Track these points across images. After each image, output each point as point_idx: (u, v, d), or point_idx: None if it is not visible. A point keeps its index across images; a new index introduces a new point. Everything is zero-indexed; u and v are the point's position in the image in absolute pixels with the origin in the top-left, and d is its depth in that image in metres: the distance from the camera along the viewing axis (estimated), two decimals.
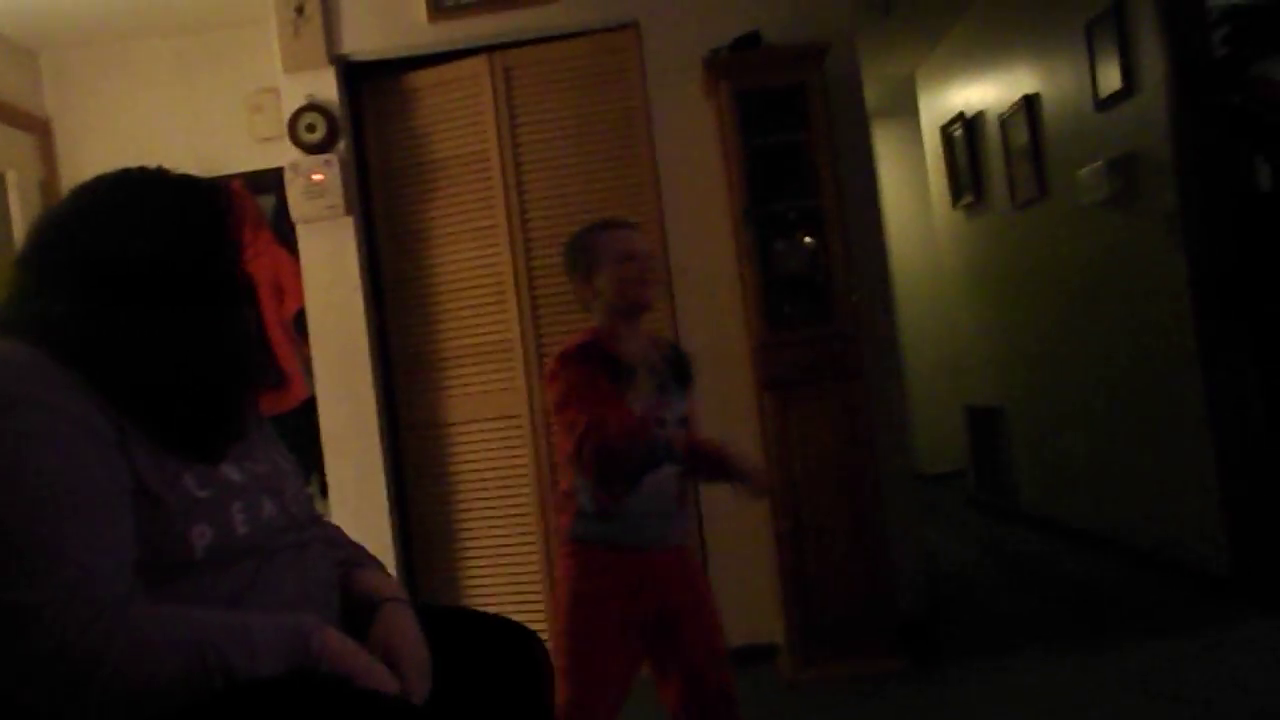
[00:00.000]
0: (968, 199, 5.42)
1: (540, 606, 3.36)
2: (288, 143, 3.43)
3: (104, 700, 0.99)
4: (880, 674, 3.00)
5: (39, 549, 1.00)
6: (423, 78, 3.54)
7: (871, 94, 3.57)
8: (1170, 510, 3.69)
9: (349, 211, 3.43)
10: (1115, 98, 3.66)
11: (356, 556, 1.41)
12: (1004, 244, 5.05)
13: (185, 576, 1.13)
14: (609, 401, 1.90)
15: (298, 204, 3.39)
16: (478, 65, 3.48)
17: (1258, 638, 2.91)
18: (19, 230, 3.38)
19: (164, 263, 1.21)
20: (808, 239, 3.27)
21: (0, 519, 1.01)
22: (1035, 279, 4.69)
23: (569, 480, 2.01)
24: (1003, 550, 4.70)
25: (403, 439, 3.56)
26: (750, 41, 3.27)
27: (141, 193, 1.25)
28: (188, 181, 1.29)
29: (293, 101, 3.44)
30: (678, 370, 2.12)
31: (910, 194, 6.72)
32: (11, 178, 3.38)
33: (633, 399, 1.96)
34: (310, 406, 3.51)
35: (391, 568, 3.38)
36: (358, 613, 1.31)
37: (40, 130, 3.53)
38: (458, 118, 3.51)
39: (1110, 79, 3.67)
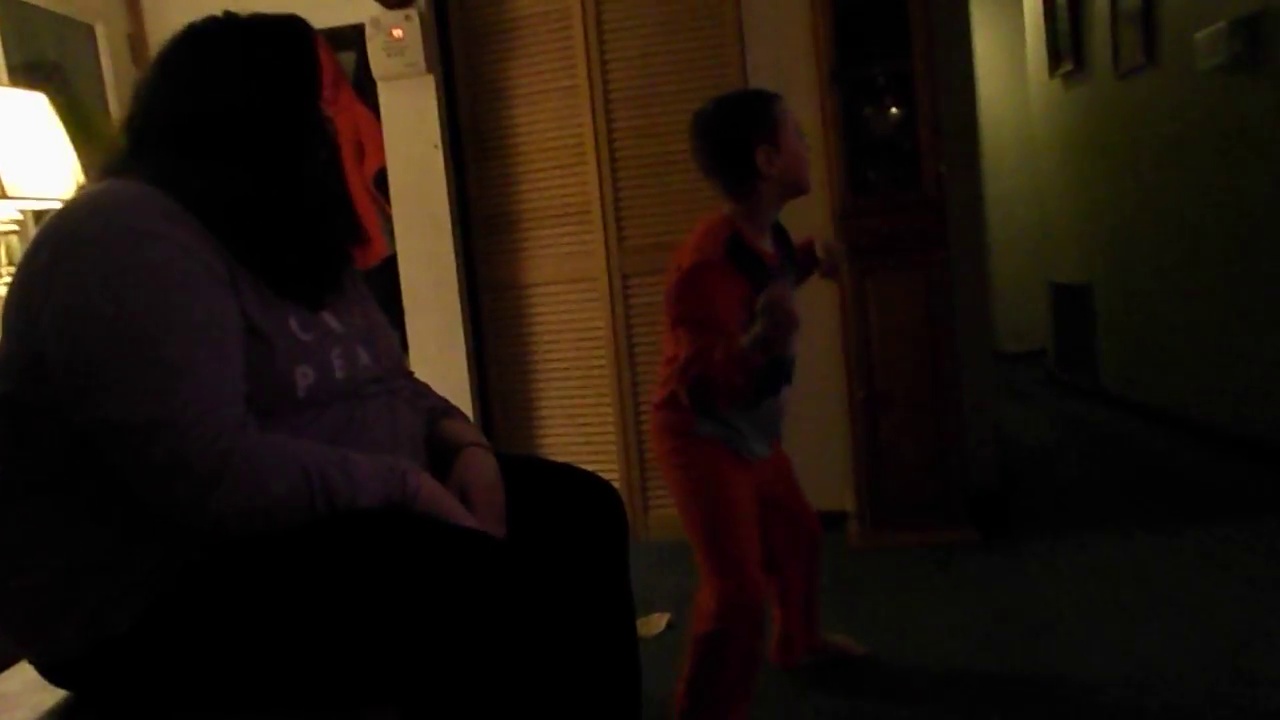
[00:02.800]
0: (1067, 66, 5.16)
1: (615, 466, 3.44)
2: None
3: (220, 513, 1.07)
4: (949, 544, 3.02)
5: (173, 368, 1.07)
6: None
7: None
8: (1256, 393, 3.59)
9: (429, 69, 3.39)
10: None
11: (443, 406, 1.46)
12: (1104, 115, 4.82)
13: (288, 413, 1.18)
14: (730, 326, 1.76)
15: (378, 61, 3.37)
16: None
17: None
18: (111, 82, 3.42)
19: (248, 115, 1.24)
20: (894, 109, 3.16)
21: (140, 338, 1.07)
22: (1136, 152, 4.49)
23: (679, 384, 1.84)
24: (1081, 428, 4.64)
25: (481, 299, 3.61)
26: None
27: (221, 45, 1.27)
28: (266, 26, 1.30)
29: None
30: (792, 261, 2.09)
31: (1006, 60, 6.41)
32: (100, 30, 3.40)
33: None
34: (391, 265, 3.56)
35: (470, 419, 3.48)
36: (442, 457, 1.36)
37: None
38: None
39: None
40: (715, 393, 1.77)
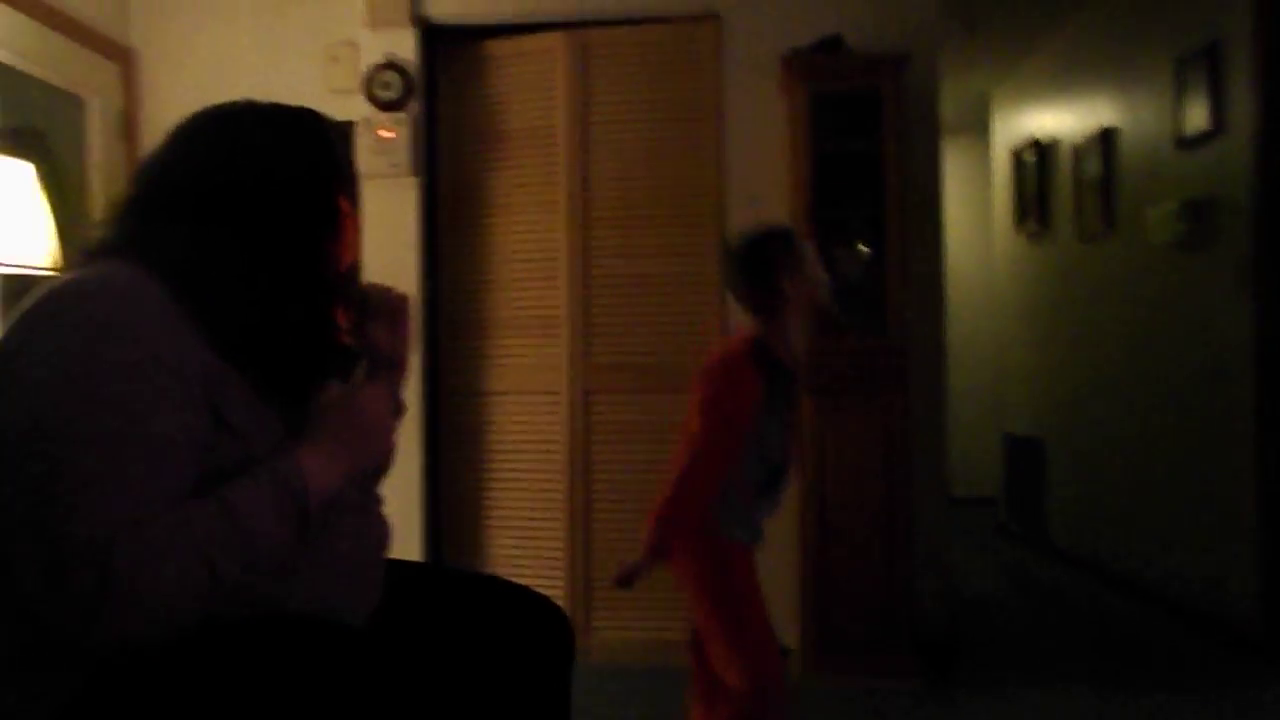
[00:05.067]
0: (1032, 226, 5.35)
1: (560, 582, 3.38)
2: (360, 97, 3.45)
3: (119, 620, 0.99)
4: (892, 690, 2.98)
5: (78, 481, 1.00)
6: (501, 47, 3.56)
7: (946, 108, 3.54)
8: (1204, 562, 3.63)
9: (415, 172, 3.45)
10: (1200, 138, 3.59)
11: None
12: (1064, 275, 4.98)
13: None
14: (743, 430, 2.08)
15: (365, 159, 3.42)
16: (556, 40, 3.48)
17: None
18: (97, 158, 3.44)
19: (273, 190, 1.21)
20: (865, 248, 3.25)
21: (70, 445, 1.01)
22: (1092, 314, 4.62)
23: (712, 482, 2.13)
24: (1029, 582, 4.65)
25: (442, 403, 3.59)
26: (832, 44, 3.24)
27: (251, 122, 1.25)
28: (299, 112, 1.29)
29: (371, 57, 3.46)
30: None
31: (973, 214, 6.64)
32: (93, 105, 3.43)
33: (784, 406, 2.16)
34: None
35: (418, 531, 3.43)
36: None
37: (123, 59, 3.58)
38: (531, 90, 3.52)
39: (1196, 118, 3.60)
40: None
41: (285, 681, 1.04)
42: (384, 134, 3.41)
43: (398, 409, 1.46)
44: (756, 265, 2.17)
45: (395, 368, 1.45)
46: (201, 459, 1.09)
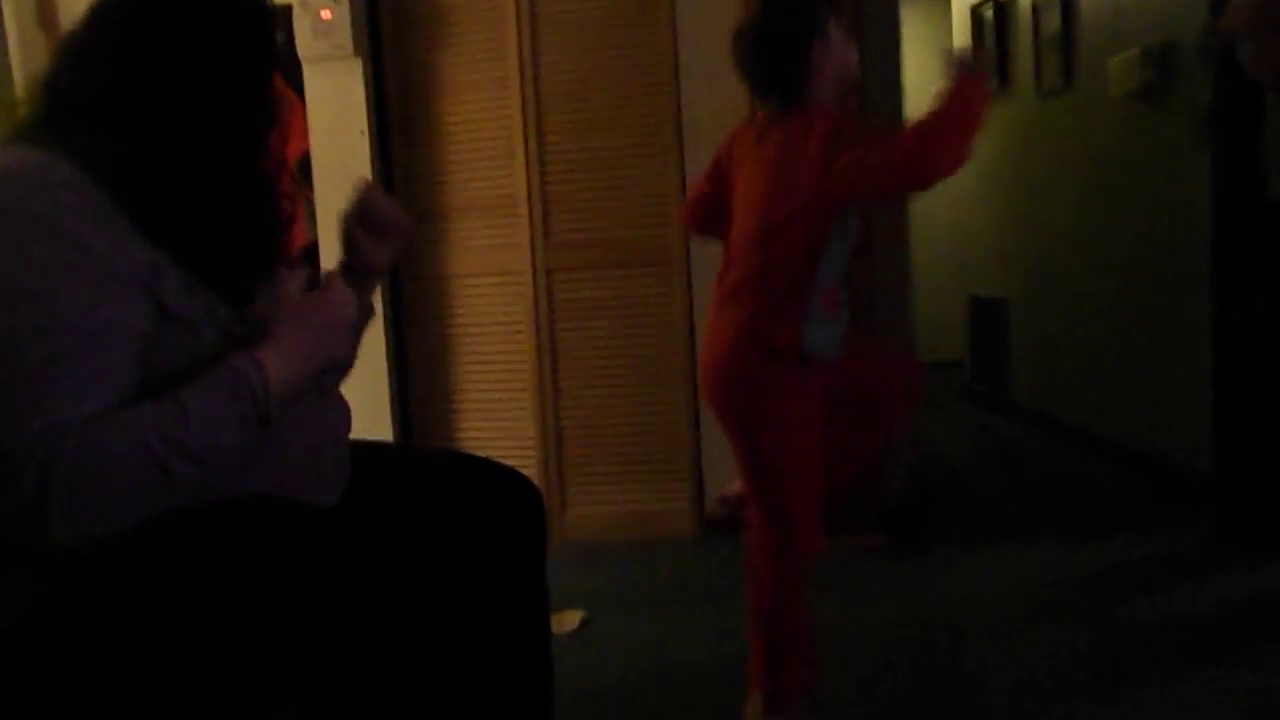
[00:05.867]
0: (991, 85, 5.27)
1: (532, 461, 3.41)
2: None
3: (68, 524, 0.98)
4: (860, 549, 3.06)
5: (24, 389, 0.98)
6: None
7: None
8: (1160, 414, 3.72)
9: (358, 52, 3.32)
10: None
11: None
12: (1024, 134, 4.94)
13: None
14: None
15: (305, 42, 3.29)
16: None
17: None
18: (15, 46, 3.28)
19: (197, 84, 1.14)
20: None
21: (3, 343, 0.98)
22: (1053, 170, 4.61)
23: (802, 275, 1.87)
24: (993, 441, 4.75)
25: (403, 288, 3.55)
26: None
27: (170, 9, 1.16)
28: None
29: None
30: None
31: (933, 77, 6.52)
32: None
33: None
34: (311, 252, 3.48)
35: (387, 414, 3.43)
36: None
37: None
38: None
39: None
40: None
41: (251, 566, 1.03)
42: (324, 14, 3.27)
43: (367, 312, 1.43)
44: (783, 35, 1.92)
45: (369, 280, 1.42)
46: (146, 351, 1.06)
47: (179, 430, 1.03)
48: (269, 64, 1.23)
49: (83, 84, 1.14)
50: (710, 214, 2.12)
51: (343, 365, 1.26)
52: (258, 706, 1.06)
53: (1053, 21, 4.43)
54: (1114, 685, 2.12)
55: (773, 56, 1.93)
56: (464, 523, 1.26)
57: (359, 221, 1.39)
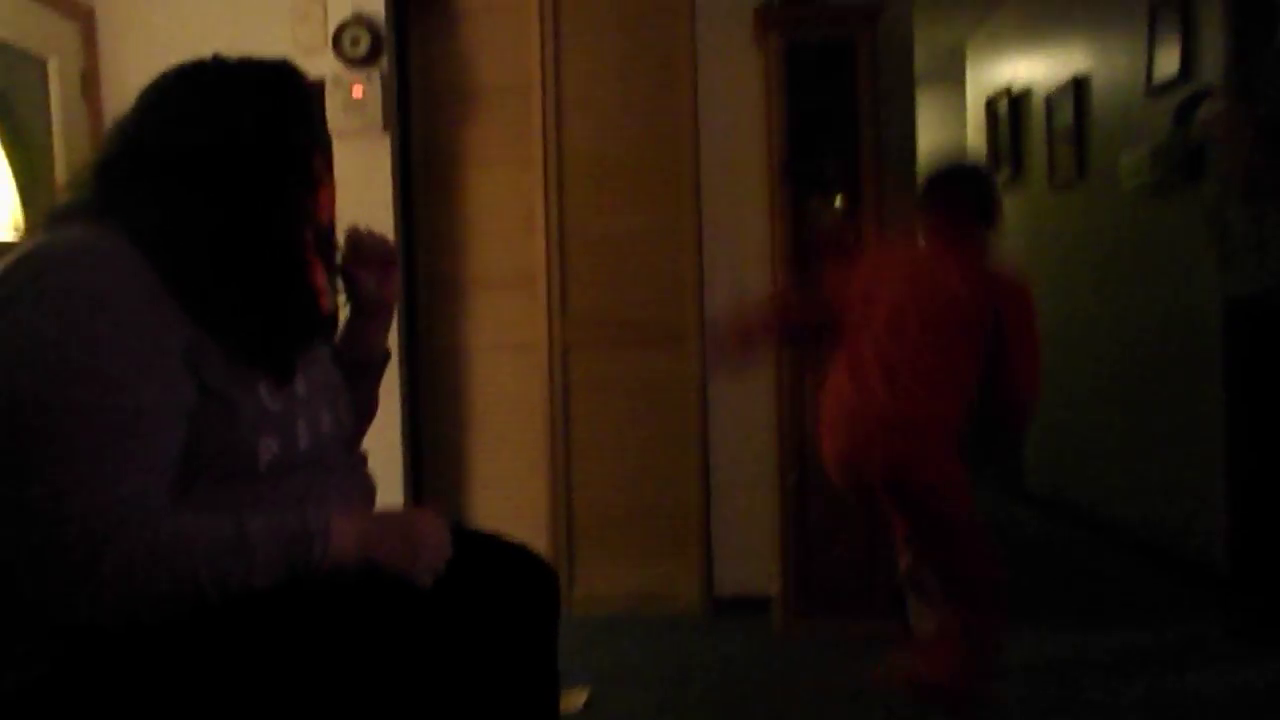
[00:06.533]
0: (1005, 173, 5.36)
1: (543, 537, 3.41)
2: (330, 55, 3.40)
3: (92, 608, 1.00)
4: (871, 635, 3.03)
5: (72, 453, 1.00)
6: (471, 1, 3.51)
7: (920, 59, 3.53)
8: (1175, 505, 3.70)
9: (386, 128, 3.41)
10: (1170, 84, 3.60)
11: None
12: (1037, 223, 5.01)
13: (246, 482, 1.14)
14: None
15: (335, 117, 3.37)
16: None
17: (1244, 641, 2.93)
18: (59, 119, 3.38)
19: (243, 161, 1.19)
20: (839, 200, 3.25)
21: (46, 417, 1.01)
22: (1065, 259, 4.66)
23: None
24: (1005, 525, 4.72)
25: (421, 360, 3.59)
26: None
27: (220, 79, 1.22)
28: (271, 65, 1.26)
29: (338, 13, 3.41)
30: None
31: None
32: (53, 65, 3.37)
33: None
34: (334, 322, 3.53)
35: (399, 485, 3.44)
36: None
37: (83, 18, 3.51)
38: (503, 44, 3.48)
39: (1167, 64, 3.61)
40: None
41: (270, 644, 1.05)
42: (355, 91, 3.36)
43: (384, 356, 1.47)
44: (992, 197, 2.65)
45: (381, 314, 1.46)
46: (187, 426, 1.09)
47: (229, 564, 1.05)
48: (312, 142, 1.28)
49: (132, 158, 1.18)
50: None
51: (396, 576, 1.20)
52: None
53: (1065, 116, 4.52)
54: None
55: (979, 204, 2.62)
56: (479, 602, 1.27)
57: (355, 262, 1.43)
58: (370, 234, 1.46)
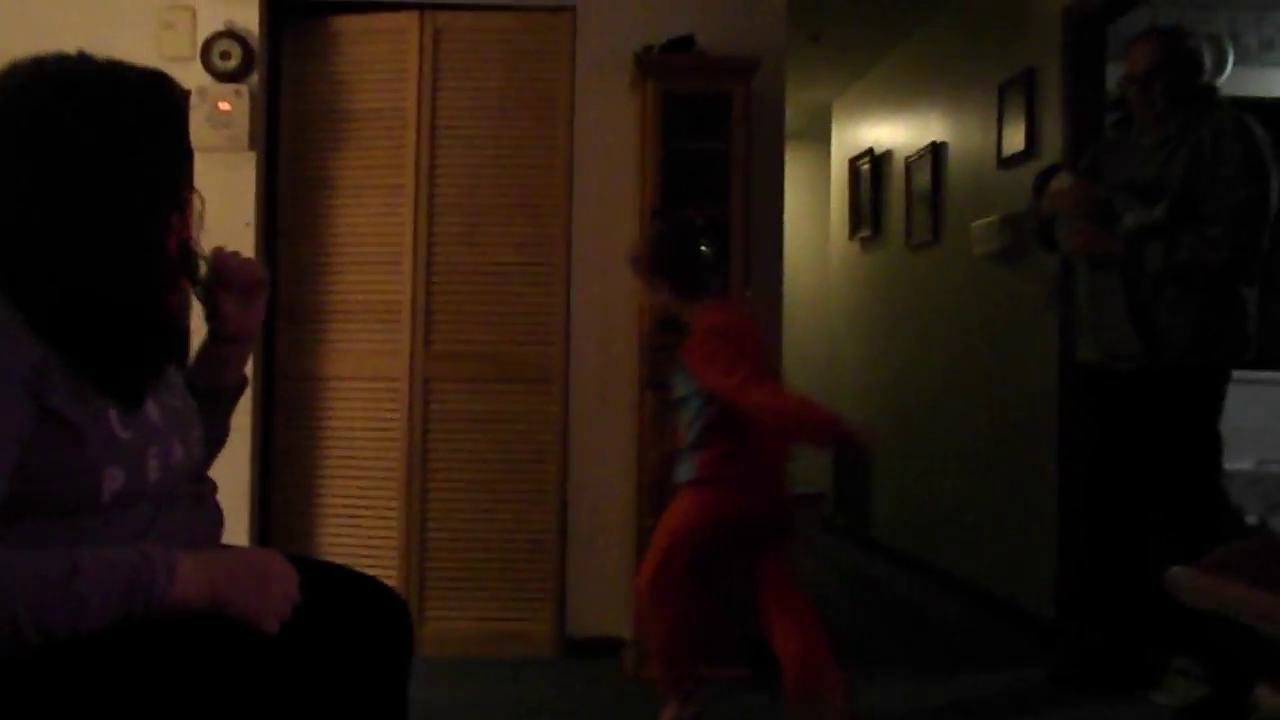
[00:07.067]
0: (865, 232, 5.58)
1: (394, 572, 3.32)
2: (197, 65, 3.30)
3: None
4: (723, 680, 3.06)
5: None
6: (350, 23, 3.46)
7: (790, 117, 3.65)
8: (1010, 558, 3.88)
9: (253, 146, 3.32)
10: (1016, 157, 3.83)
11: None
12: (894, 281, 5.22)
13: (87, 514, 1.07)
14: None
15: (200, 131, 3.26)
16: (408, 20, 3.41)
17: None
18: None
19: (107, 157, 1.10)
20: (706, 247, 3.31)
21: None
22: (918, 319, 4.86)
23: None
24: (852, 575, 4.86)
25: (275, 387, 3.48)
26: (684, 44, 3.30)
27: (98, 79, 1.13)
28: (148, 73, 1.17)
29: (209, 24, 3.31)
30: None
31: (811, 219, 6.86)
32: None
33: None
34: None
35: (246, 513, 3.31)
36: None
37: None
38: (379, 70, 3.44)
39: (1015, 139, 3.84)
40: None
41: (118, 680, 1.00)
42: (222, 106, 3.27)
43: (240, 384, 1.41)
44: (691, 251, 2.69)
45: (242, 341, 1.40)
46: (20, 453, 1.02)
47: (54, 604, 0.97)
48: (182, 154, 1.22)
49: None
50: None
51: (239, 617, 1.13)
52: None
53: (924, 179, 4.74)
54: None
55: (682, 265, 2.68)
56: (330, 637, 1.23)
57: (220, 286, 1.35)
58: (239, 258, 1.37)
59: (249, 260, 1.39)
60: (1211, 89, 2.88)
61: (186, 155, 1.24)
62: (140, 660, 1.02)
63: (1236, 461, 2.76)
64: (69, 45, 1.23)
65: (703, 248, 3.29)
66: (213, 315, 1.36)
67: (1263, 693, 2.03)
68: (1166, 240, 2.66)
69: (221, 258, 1.36)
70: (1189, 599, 1.74)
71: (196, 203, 1.26)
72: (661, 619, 2.60)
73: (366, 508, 3.42)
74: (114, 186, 1.12)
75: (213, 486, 1.33)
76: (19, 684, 0.98)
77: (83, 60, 1.16)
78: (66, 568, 1.00)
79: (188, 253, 1.26)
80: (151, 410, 1.16)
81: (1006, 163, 3.93)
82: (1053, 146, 3.58)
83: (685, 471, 2.58)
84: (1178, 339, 2.67)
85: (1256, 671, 2.58)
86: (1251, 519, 3.27)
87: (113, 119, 1.12)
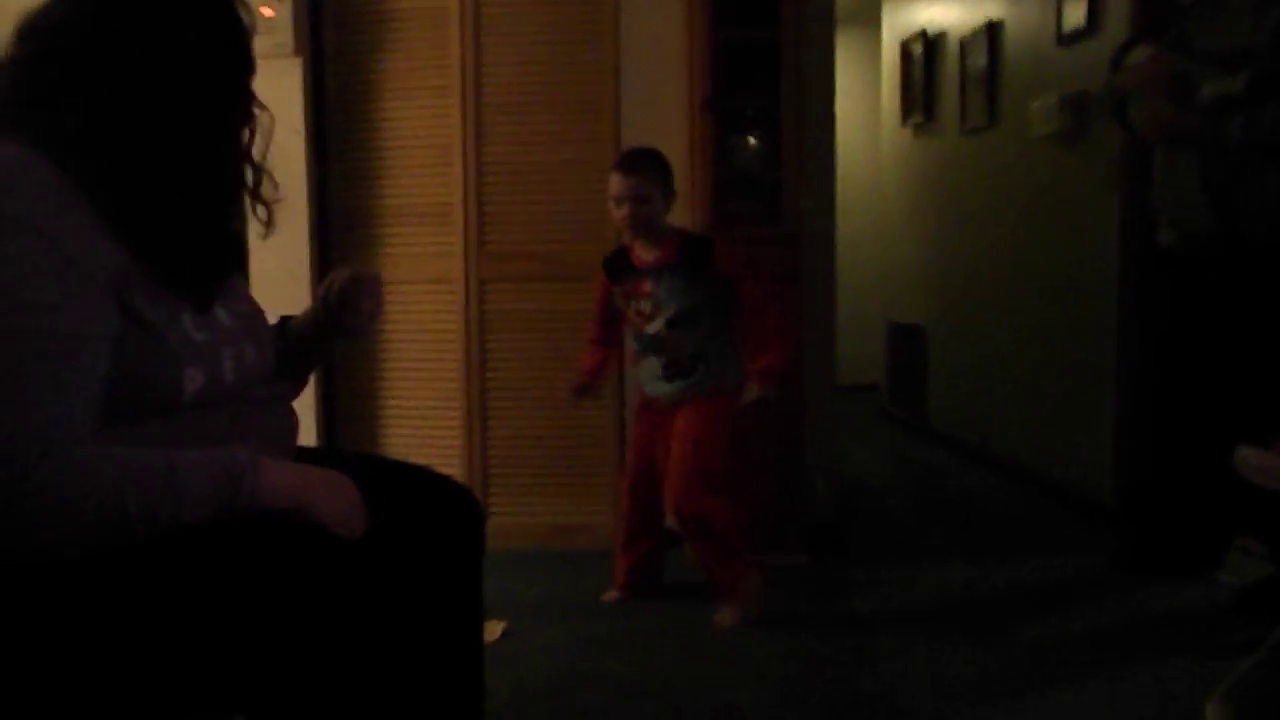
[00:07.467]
0: (917, 118, 5.44)
1: (458, 471, 3.40)
2: None
3: (16, 537, 0.98)
4: (785, 567, 3.12)
5: (3, 383, 0.97)
6: None
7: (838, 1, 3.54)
8: (1066, 443, 3.87)
9: (298, 52, 3.31)
10: (1077, 34, 3.69)
11: None
12: (947, 167, 5.11)
13: (168, 416, 1.11)
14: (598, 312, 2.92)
15: None
16: None
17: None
18: None
19: (171, 82, 1.13)
20: (755, 138, 3.27)
21: None
22: (973, 205, 4.77)
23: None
24: (909, 463, 4.89)
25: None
26: None
27: (142, 6, 1.14)
28: None
29: None
30: (693, 263, 2.73)
31: (862, 106, 6.69)
32: None
33: (629, 303, 2.80)
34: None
35: (312, 419, 3.39)
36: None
37: None
38: None
39: (1075, 15, 3.69)
40: None
41: (202, 577, 1.05)
42: (265, 11, 3.24)
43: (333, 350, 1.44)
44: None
45: (357, 337, 1.48)
46: (114, 355, 1.06)
47: (158, 495, 1.03)
48: (243, 66, 1.23)
49: (57, 61, 1.11)
50: None
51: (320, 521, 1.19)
52: (210, 711, 1.07)
53: (979, 61, 4.60)
54: (1017, 699, 2.22)
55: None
56: (406, 534, 1.28)
57: (345, 308, 1.41)
58: (365, 280, 1.42)
59: (372, 278, 1.42)
60: None
61: (252, 70, 1.25)
62: (225, 554, 1.07)
63: None
64: None
65: (754, 139, 3.27)
66: (335, 332, 1.44)
67: None
68: (1247, 112, 2.52)
69: (349, 283, 1.40)
70: (1257, 478, 1.73)
71: (265, 119, 1.27)
72: (720, 525, 2.71)
73: (427, 408, 3.49)
74: (188, 95, 1.15)
75: (284, 394, 1.37)
76: (123, 573, 1.03)
77: None
78: (166, 462, 1.06)
79: (255, 167, 1.29)
80: (221, 314, 1.20)
81: (1066, 40, 3.78)
82: (1118, 22, 3.44)
83: (699, 381, 2.77)
84: (1259, 221, 2.52)
85: None
86: None
87: (190, 25, 1.15)
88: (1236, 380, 2.63)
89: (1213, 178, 2.55)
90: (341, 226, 3.50)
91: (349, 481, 1.22)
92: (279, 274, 3.38)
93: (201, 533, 1.06)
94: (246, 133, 1.25)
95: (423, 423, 3.51)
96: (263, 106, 1.27)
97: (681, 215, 3.24)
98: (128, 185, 1.09)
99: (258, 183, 1.30)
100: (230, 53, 1.20)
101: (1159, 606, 2.77)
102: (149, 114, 1.12)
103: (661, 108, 3.34)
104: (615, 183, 2.73)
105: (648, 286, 2.76)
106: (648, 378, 2.85)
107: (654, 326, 2.77)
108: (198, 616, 1.04)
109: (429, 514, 1.37)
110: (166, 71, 1.13)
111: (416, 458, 3.43)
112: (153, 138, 1.12)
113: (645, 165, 2.74)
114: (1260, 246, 2.53)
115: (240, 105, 1.23)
